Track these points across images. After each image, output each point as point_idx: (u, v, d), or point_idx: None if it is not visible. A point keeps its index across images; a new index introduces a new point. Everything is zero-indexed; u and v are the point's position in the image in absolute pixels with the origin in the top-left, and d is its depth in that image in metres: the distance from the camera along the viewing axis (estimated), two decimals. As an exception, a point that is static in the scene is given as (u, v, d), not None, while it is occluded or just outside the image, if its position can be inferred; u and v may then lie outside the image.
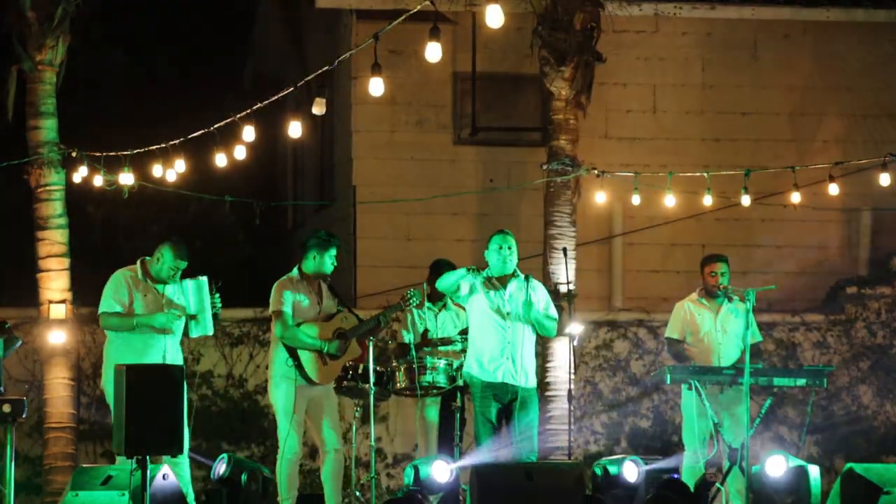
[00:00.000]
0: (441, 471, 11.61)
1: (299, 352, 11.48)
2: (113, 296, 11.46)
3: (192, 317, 11.48)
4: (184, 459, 11.44)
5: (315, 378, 11.49)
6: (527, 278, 11.76)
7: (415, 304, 12.31)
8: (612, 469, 12.06)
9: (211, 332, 11.61)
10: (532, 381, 11.70)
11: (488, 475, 11.09)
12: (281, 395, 11.53)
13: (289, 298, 11.56)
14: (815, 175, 14.00)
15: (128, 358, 11.06)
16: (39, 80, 14.05)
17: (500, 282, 11.66)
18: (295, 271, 11.71)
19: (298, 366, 11.46)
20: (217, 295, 11.51)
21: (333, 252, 11.71)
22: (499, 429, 11.68)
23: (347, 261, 15.33)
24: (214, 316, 11.52)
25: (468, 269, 11.64)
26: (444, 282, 11.70)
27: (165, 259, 11.41)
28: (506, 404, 11.62)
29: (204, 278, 11.46)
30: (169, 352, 11.41)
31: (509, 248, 11.64)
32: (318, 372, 11.52)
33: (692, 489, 11.62)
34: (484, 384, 11.60)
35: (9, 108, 14.04)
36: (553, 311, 11.84)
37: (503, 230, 11.79)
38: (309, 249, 11.69)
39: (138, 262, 11.53)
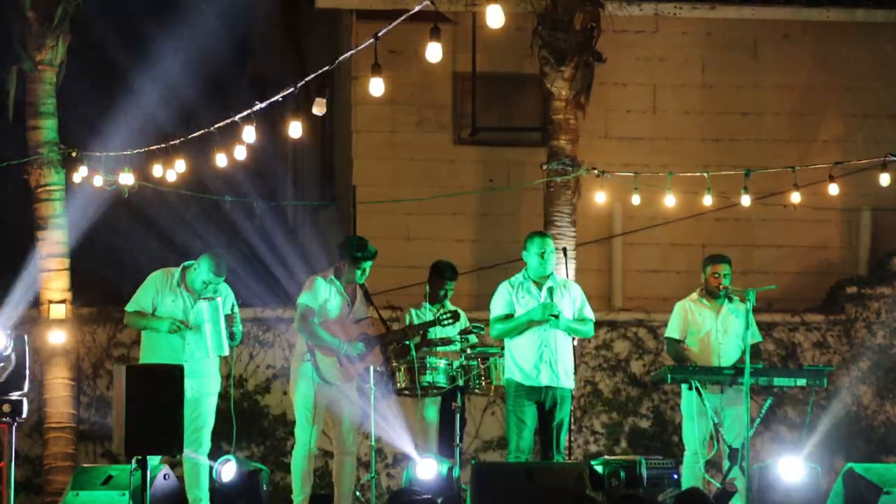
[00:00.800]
0: (428, 469, 11.65)
1: (316, 350, 11.47)
2: (139, 295, 11.56)
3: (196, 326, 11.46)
4: (203, 462, 11.45)
5: (330, 378, 11.48)
6: (555, 283, 11.87)
7: (448, 323, 12.34)
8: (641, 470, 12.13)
9: (225, 353, 11.51)
10: (570, 382, 11.86)
11: (488, 475, 11.11)
12: (299, 392, 11.57)
13: (314, 294, 11.56)
14: (815, 175, 14.00)
15: (152, 360, 11.18)
16: (39, 80, 14.05)
17: (537, 285, 11.79)
18: (331, 271, 11.72)
19: (314, 363, 11.46)
20: (237, 315, 11.48)
21: (366, 265, 11.70)
22: (533, 429, 11.77)
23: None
24: (233, 336, 11.47)
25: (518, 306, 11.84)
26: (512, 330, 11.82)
27: (201, 270, 11.40)
28: (542, 405, 11.71)
29: (217, 300, 11.43)
30: (193, 366, 11.31)
31: (550, 252, 11.89)
32: (334, 372, 11.50)
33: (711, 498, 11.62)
34: (523, 387, 11.70)
35: (9, 108, 14.04)
36: (588, 312, 12.02)
37: (543, 233, 12.09)
38: (344, 255, 11.70)
39: (180, 267, 11.55)
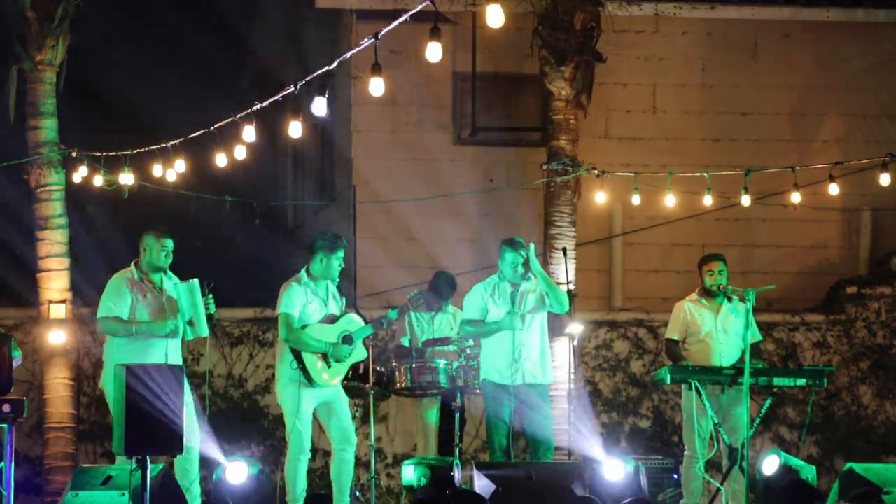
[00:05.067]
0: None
1: (304, 355, 11.46)
2: (111, 300, 11.43)
3: (189, 322, 11.46)
4: (193, 456, 11.44)
5: (318, 381, 11.47)
6: (531, 279, 11.89)
7: (419, 306, 12.29)
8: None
9: (205, 334, 11.56)
10: (549, 377, 11.88)
11: (488, 476, 11.10)
12: (288, 396, 11.53)
13: (295, 301, 11.53)
14: (815, 175, 14.00)
15: (129, 359, 11.08)
16: (39, 80, 14.05)
17: (513, 286, 11.83)
18: (303, 273, 11.69)
19: (303, 369, 11.45)
20: (210, 296, 11.48)
21: (341, 254, 11.68)
22: (511, 426, 11.80)
23: (347, 260, 15.31)
24: (209, 317, 11.49)
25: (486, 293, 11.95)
26: (480, 334, 11.94)
27: (150, 245, 11.42)
28: (520, 403, 11.75)
29: (195, 281, 11.44)
30: (171, 352, 11.39)
31: (523, 263, 11.86)
32: (322, 375, 11.50)
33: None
34: (499, 387, 11.73)
35: (11, 109, 14.04)
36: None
37: (514, 244, 11.93)
38: (316, 252, 11.66)
39: (132, 264, 11.53)
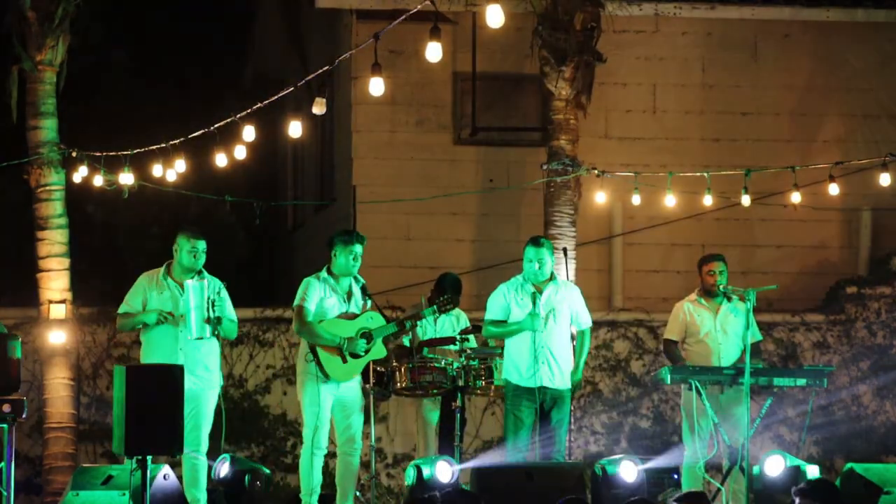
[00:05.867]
0: (444, 471, 11.58)
1: (318, 348, 11.43)
2: (128, 298, 11.55)
3: (181, 316, 11.41)
4: (202, 461, 11.42)
5: (332, 375, 11.39)
6: (556, 285, 11.92)
7: (447, 309, 12.30)
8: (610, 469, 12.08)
9: (205, 335, 11.33)
10: (566, 382, 11.87)
11: (488, 476, 11.11)
12: (306, 391, 11.50)
13: (312, 295, 11.51)
14: (815, 175, 14.01)
15: (147, 359, 11.25)
16: (39, 80, 14.05)
17: (536, 288, 11.85)
18: (323, 270, 11.70)
19: (318, 363, 11.41)
20: (219, 298, 11.40)
21: (358, 249, 11.62)
22: (531, 427, 11.82)
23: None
24: (218, 320, 11.40)
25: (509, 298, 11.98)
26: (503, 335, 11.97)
27: (181, 245, 11.42)
28: (540, 405, 11.77)
29: (203, 282, 11.41)
30: (189, 355, 11.27)
31: (540, 260, 11.86)
32: (337, 369, 11.44)
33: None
34: (520, 388, 11.76)
35: (13, 109, 14.04)
36: (584, 319, 12.10)
37: (537, 242, 11.95)
38: (333, 247, 11.66)
39: (164, 265, 11.54)
